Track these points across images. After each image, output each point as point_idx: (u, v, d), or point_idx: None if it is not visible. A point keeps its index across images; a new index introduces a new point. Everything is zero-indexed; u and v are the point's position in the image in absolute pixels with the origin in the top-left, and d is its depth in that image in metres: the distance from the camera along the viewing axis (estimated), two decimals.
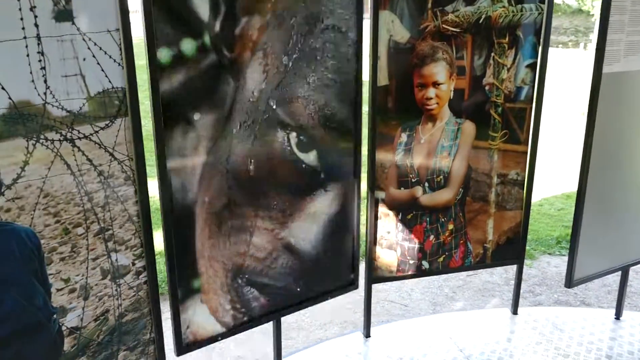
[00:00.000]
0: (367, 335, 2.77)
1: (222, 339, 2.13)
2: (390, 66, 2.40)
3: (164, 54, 1.71)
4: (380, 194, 2.57)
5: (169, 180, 1.82)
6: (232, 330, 2.17)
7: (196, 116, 1.83)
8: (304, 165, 2.18)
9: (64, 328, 1.60)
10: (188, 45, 1.75)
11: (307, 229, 2.26)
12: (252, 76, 1.94)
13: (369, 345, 2.71)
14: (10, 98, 1.35)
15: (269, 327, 3.05)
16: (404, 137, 2.52)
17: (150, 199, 1.80)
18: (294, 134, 2.11)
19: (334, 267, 2.43)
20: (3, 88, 1.33)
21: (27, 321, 1.49)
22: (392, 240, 2.64)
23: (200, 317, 2.05)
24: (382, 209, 2.59)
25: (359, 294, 3.26)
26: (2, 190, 1.38)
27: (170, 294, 1.94)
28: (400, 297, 3.54)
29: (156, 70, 1.69)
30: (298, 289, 2.32)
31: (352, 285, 2.52)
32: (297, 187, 2.19)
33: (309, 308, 2.45)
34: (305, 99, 2.11)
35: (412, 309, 3.41)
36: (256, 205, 2.09)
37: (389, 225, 2.62)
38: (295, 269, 2.28)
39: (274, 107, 2.02)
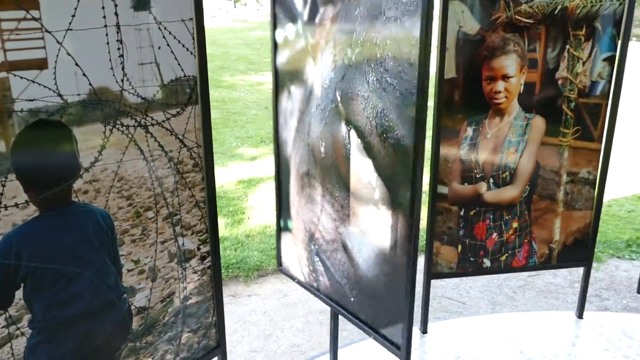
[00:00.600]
0: (424, 331, 2.74)
1: (297, 284, 2.44)
2: (458, 58, 2.34)
3: (279, 35, 2.15)
4: (443, 189, 2.52)
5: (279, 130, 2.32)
6: (306, 285, 2.39)
7: (293, 88, 2.17)
8: (360, 173, 1.96)
9: (132, 307, 1.66)
10: (290, 29, 2.10)
11: (362, 243, 2.01)
12: (325, 64, 1.98)
13: (425, 341, 2.68)
14: (90, 84, 1.40)
15: (325, 318, 3.07)
16: (469, 132, 2.46)
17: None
18: (354, 133, 1.96)
19: (386, 309, 1.97)
20: (84, 74, 1.38)
21: (99, 299, 1.55)
22: (453, 236, 2.58)
23: (291, 253, 2.38)
24: (444, 204, 2.54)
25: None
26: (81, 173, 1.43)
27: (277, 215, 2.37)
28: (458, 294, 3.47)
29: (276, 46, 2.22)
30: (352, 299, 2.14)
31: (397, 347, 1.91)
32: (353, 191, 2.00)
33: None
34: (365, 99, 1.87)
35: (470, 307, 3.33)
36: (324, 186, 2.15)
37: (450, 220, 2.56)
38: (350, 275, 2.12)
39: (339, 98, 2.01)
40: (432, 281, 2.66)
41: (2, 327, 1.34)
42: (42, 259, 1.39)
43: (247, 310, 3.24)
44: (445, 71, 2.33)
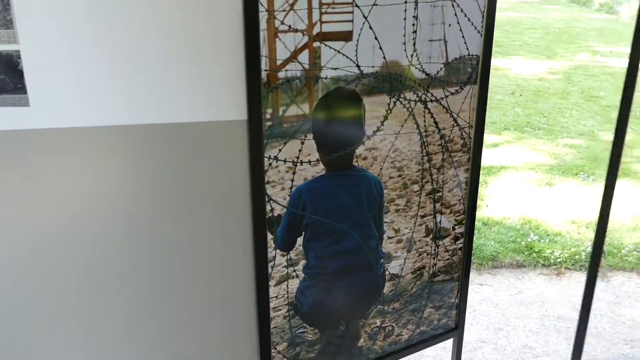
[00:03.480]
0: None
1: None
2: None
3: None
4: None
5: None
6: None
7: None
8: None
9: (387, 273, 1.75)
10: None
11: None
12: None
13: None
14: (384, 57, 1.48)
15: (563, 325, 2.85)
16: None
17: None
18: None
19: None
20: (381, 48, 1.46)
21: (360, 259, 1.67)
22: None
23: None
24: None
25: None
26: (364, 140, 1.54)
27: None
28: None
29: None
30: None
31: None
32: None
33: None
34: None
35: None
36: None
37: None
38: None
39: None
40: None
41: (283, 267, 1.53)
42: (321, 213, 1.54)
43: (478, 299, 3.17)
44: None
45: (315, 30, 1.36)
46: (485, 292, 3.24)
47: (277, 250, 1.50)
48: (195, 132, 1.22)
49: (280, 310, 1.57)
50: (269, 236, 1.46)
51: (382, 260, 1.72)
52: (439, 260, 1.86)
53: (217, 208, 1.32)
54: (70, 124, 1.13)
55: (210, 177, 1.28)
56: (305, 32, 1.34)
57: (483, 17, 1.62)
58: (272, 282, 1.52)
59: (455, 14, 1.57)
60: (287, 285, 1.56)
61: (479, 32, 1.63)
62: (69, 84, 1.11)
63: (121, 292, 1.29)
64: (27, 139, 1.09)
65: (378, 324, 1.79)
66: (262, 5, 1.26)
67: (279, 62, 1.33)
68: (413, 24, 1.51)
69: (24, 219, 1.15)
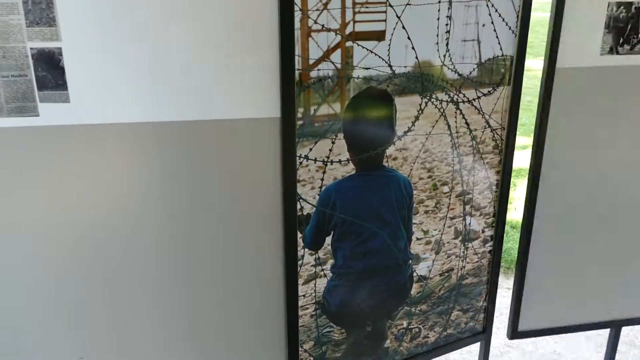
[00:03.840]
0: None
1: None
2: None
3: None
4: None
5: None
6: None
7: None
8: None
9: (414, 274, 1.74)
10: None
11: None
12: None
13: None
14: (416, 57, 1.47)
15: (592, 333, 2.79)
16: None
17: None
18: None
19: None
20: (413, 48, 1.46)
21: (388, 260, 1.66)
22: None
23: None
24: None
25: None
26: (394, 141, 1.53)
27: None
28: None
29: None
30: None
31: None
32: None
33: None
34: None
35: None
36: None
37: None
38: None
39: None
40: None
41: (311, 266, 1.54)
42: (350, 213, 1.54)
43: (505, 303, 3.11)
44: None
45: (348, 29, 1.36)
46: None
47: (306, 249, 1.50)
48: (230, 128, 1.24)
49: (307, 309, 1.57)
50: (298, 235, 1.47)
51: (410, 261, 1.71)
52: (468, 262, 1.84)
53: (248, 205, 1.33)
54: (108, 120, 1.15)
55: (242, 174, 1.29)
56: (338, 32, 1.34)
57: (518, 17, 1.60)
58: (300, 281, 1.53)
59: (490, 14, 1.55)
60: (315, 284, 1.57)
61: (513, 32, 1.61)
62: (108, 80, 1.13)
63: (150, 286, 1.31)
64: (68, 135, 1.12)
65: (405, 325, 1.78)
66: (296, 4, 1.26)
67: (311, 62, 1.33)
68: (446, 24, 1.49)
69: (62, 213, 1.17)
